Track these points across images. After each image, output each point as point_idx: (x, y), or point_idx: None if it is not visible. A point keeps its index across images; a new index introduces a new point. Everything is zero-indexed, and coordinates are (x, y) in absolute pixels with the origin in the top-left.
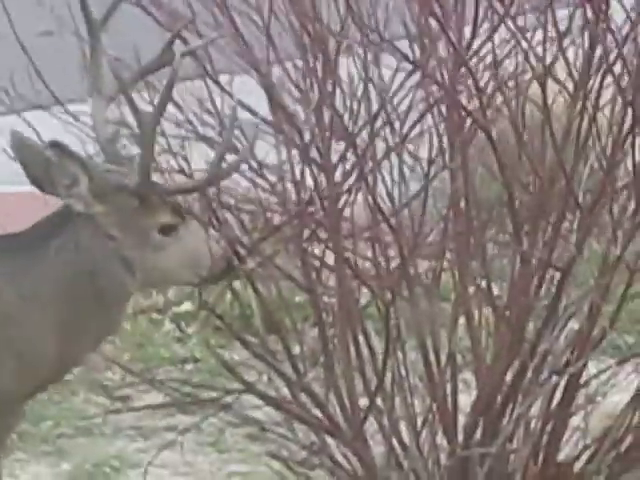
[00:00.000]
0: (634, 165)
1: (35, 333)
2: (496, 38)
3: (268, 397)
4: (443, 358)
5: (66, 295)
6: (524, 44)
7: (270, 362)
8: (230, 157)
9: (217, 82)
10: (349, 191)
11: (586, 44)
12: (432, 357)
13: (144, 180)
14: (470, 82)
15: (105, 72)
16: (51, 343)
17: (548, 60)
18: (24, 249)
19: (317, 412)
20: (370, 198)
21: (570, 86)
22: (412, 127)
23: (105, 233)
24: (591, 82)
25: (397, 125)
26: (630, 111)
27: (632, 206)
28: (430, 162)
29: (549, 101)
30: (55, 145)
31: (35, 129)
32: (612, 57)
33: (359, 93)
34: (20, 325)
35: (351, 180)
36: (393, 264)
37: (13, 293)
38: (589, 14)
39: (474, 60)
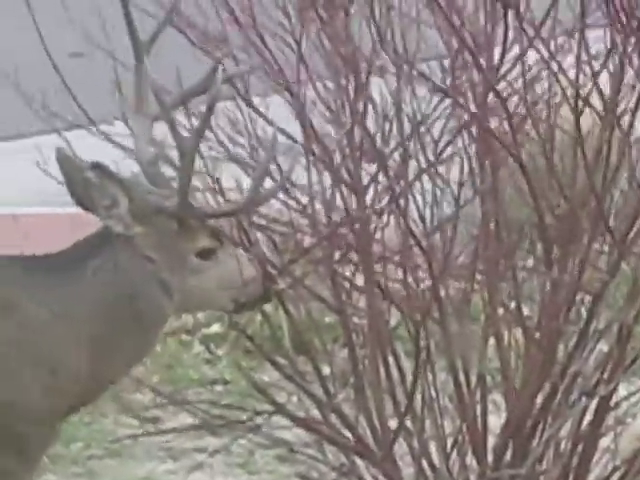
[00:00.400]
0: None
1: (69, 351)
2: (528, 60)
3: (298, 418)
4: (473, 379)
5: (103, 315)
6: (554, 66)
7: (300, 383)
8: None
9: (250, 104)
10: (380, 213)
11: (616, 66)
12: (462, 378)
13: (183, 203)
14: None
15: (149, 94)
16: (85, 362)
17: (580, 82)
18: (61, 269)
19: (347, 433)
20: (402, 220)
21: (600, 108)
22: (443, 149)
23: (143, 255)
24: (622, 105)
25: (429, 147)
26: None
27: None
28: (461, 184)
29: (581, 124)
30: (96, 166)
31: (72, 148)
32: None
33: (391, 114)
34: (53, 343)
35: (382, 202)
36: (423, 285)
37: (47, 312)
38: (618, 38)
39: (504, 84)
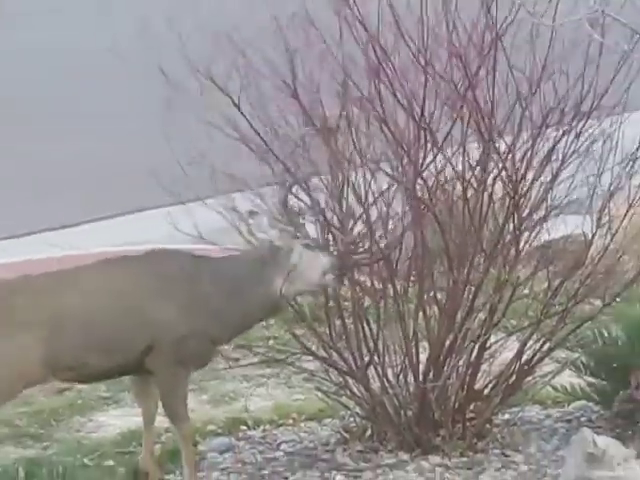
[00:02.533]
0: (515, 228)
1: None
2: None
3: (316, 355)
4: (411, 333)
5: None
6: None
7: (316, 336)
8: None
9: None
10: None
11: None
12: (406, 333)
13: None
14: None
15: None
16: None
17: (467, 173)
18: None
19: (342, 364)
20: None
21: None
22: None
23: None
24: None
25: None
26: (510, 200)
27: (513, 252)
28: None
29: (467, 194)
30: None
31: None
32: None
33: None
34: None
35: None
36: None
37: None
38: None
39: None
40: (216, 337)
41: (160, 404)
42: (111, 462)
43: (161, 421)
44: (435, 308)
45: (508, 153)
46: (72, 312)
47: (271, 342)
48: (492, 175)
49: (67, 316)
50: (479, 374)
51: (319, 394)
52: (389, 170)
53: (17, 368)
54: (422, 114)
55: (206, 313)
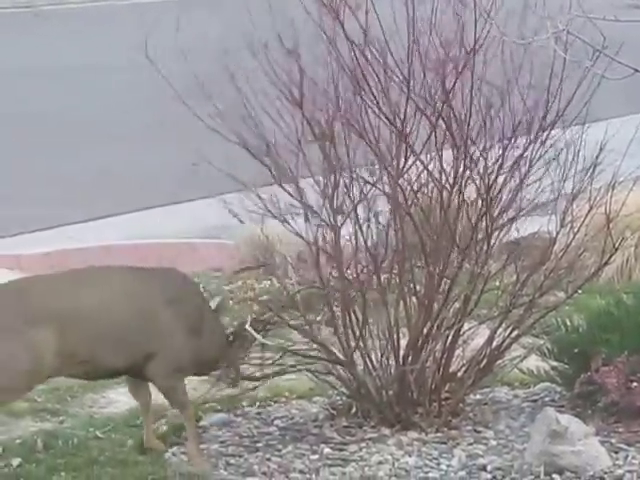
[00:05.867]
0: (487, 227)
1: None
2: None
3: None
4: (392, 321)
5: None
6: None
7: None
8: None
9: None
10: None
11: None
12: (389, 321)
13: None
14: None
15: None
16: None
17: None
18: None
19: (331, 351)
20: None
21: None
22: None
23: None
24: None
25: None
26: (482, 201)
27: (485, 248)
28: (388, 225)
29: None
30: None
31: None
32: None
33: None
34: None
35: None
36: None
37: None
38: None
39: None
40: (212, 355)
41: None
42: (120, 435)
43: (163, 399)
44: (414, 299)
45: (479, 159)
46: (87, 307)
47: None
48: (466, 179)
49: (81, 311)
50: (453, 358)
51: (309, 375)
52: (369, 175)
53: (32, 364)
54: (402, 123)
55: (204, 334)
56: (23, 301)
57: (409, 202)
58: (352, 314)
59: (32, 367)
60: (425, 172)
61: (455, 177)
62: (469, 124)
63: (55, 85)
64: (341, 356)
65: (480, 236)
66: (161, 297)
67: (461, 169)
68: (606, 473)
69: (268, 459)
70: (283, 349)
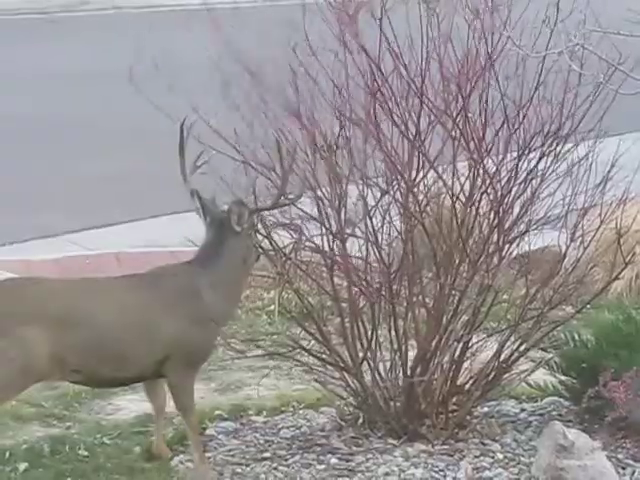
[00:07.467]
0: (498, 240)
1: (225, 304)
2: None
3: (313, 352)
4: (401, 332)
5: (235, 277)
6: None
7: (316, 335)
8: None
9: None
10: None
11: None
12: (397, 331)
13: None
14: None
15: None
16: (233, 308)
17: (456, 188)
18: (210, 259)
19: (337, 359)
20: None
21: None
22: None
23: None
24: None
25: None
26: (494, 214)
27: (495, 261)
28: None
29: (456, 208)
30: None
31: None
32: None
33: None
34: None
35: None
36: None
37: (208, 285)
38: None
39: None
40: (217, 336)
41: (169, 399)
42: (128, 442)
43: (173, 406)
44: (423, 310)
45: (495, 172)
46: (81, 316)
47: (274, 337)
48: (479, 191)
49: (76, 318)
50: (461, 371)
51: (317, 385)
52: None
53: (23, 362)
54: (416, 134)
55: (210, 320)
56: (17, 300)
57: (422, 212)
58: (361, 324)
59: (22, 364)
60: (438, 182)
61: (471, 189)
62: (484, 135)
63: (69, 91)
64: (350, 365)
65: (491, 249)
66: (159, 303)
67: (479, 181)
68: None
69: (275, 468)
70: (296, 343)
